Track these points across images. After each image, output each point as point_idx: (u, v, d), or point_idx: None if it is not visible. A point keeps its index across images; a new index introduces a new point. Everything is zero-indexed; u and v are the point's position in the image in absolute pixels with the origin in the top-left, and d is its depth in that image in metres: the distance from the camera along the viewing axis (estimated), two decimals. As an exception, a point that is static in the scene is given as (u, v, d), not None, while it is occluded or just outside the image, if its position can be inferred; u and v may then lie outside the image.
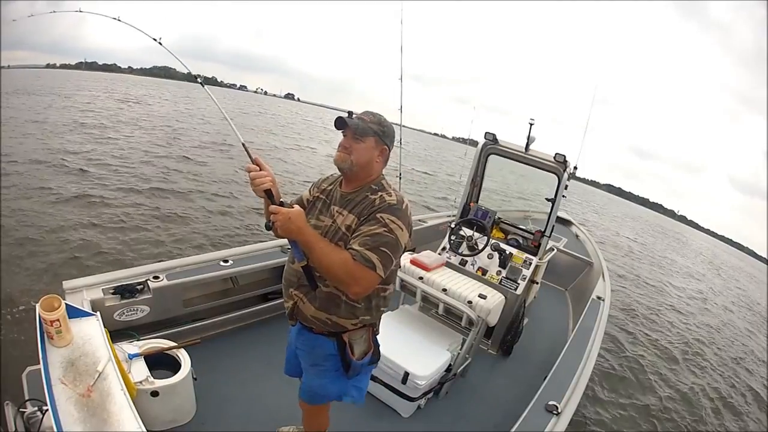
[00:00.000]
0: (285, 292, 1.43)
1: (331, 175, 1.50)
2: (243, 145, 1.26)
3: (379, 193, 1.32)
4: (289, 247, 1.28)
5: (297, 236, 1.19)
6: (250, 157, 1.22)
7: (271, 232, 1.23)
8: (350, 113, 1.33)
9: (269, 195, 1.18)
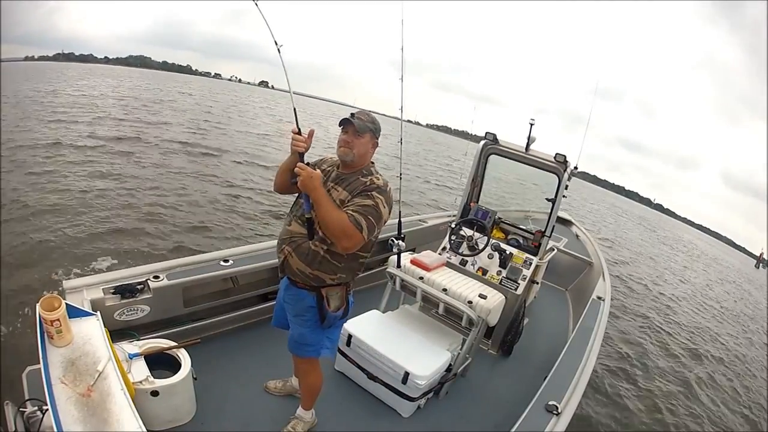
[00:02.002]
0: (278, 248, 1.69)
1: (330, 157, 1.80)
2: (294, 110, 1.56)
3: (369, 177, 1.63)
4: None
5: (312, 192, 1.48)
6: (296, 122, 1.53)
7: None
8: (353, 114, 1.62)
9: (300, 156, 1.52)
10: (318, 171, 1.50)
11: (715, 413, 4.35)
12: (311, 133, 1.57)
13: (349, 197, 1.58)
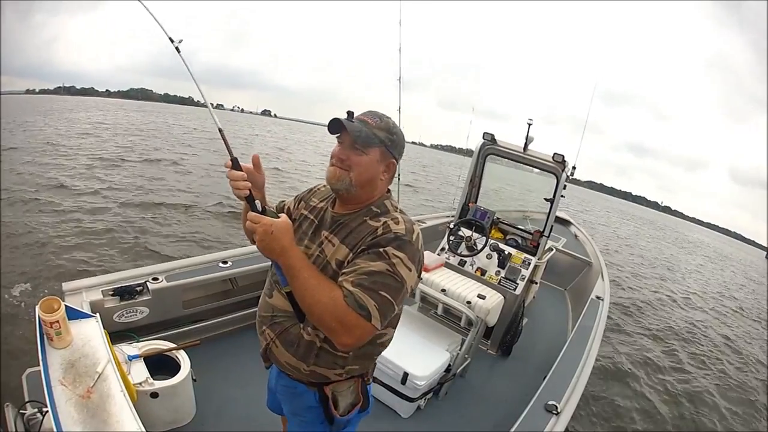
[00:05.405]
0: (258, 328, 1.16)
1: (323, 186, 1.20)
2: (220, 131, 1.03)
3: (383, 219, 1.02)
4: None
5: (279, 257, 0.93)
6: (228, 149, 1.01)
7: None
8: (350, 114, 1.04)
9: (249, 200, 0.98)
10: (284, 218, 0.95)
11: (719, 412, 4.36)
12: (256, 162, 1.04)
13: (350, 255, 1.00)
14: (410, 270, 0.98)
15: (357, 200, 1.07)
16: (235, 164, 0.98)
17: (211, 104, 1.13)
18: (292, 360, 1.08)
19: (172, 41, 1.10)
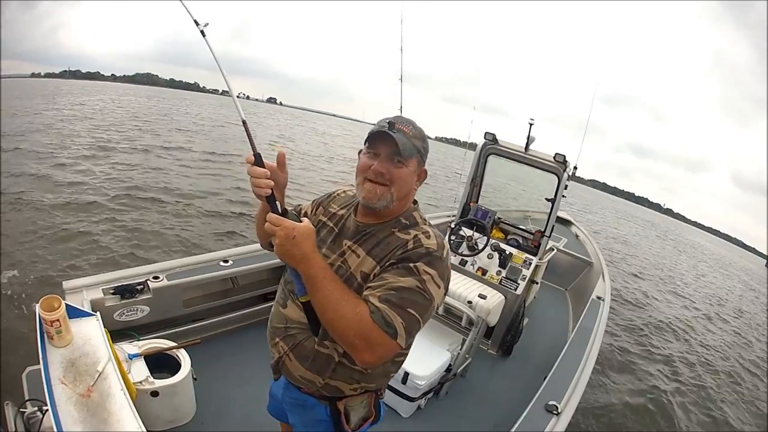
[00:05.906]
0: (270, 340, 1.11)
1: (343, 192, 1.17)
2: (243, 123, 0.96)
3: (413, 232, 0.97)
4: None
5: (299, 264, 0.87)
6: (251, 143, 0.93)
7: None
8: (392, 124, 0.96)
9: (270, 201, 0.91)
10: (307, 222, 0.88)
11: (719, 412, 4.36)
12: (281, 159, 0.96)
13: (376, 268, 0.95)
14: (439, 287, 0.93)
15: (389, 213, 1.01)
16: (258, 160, 0.90)
17: (224, 91, 1.08)
18: (307, 374, 1.03)
19: (197, 24, 1.03)
